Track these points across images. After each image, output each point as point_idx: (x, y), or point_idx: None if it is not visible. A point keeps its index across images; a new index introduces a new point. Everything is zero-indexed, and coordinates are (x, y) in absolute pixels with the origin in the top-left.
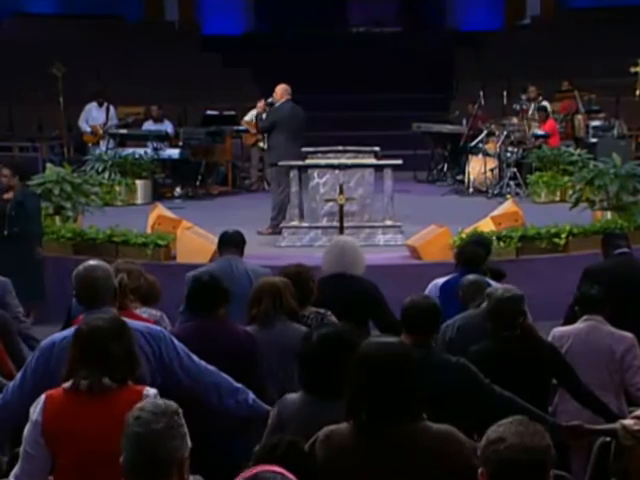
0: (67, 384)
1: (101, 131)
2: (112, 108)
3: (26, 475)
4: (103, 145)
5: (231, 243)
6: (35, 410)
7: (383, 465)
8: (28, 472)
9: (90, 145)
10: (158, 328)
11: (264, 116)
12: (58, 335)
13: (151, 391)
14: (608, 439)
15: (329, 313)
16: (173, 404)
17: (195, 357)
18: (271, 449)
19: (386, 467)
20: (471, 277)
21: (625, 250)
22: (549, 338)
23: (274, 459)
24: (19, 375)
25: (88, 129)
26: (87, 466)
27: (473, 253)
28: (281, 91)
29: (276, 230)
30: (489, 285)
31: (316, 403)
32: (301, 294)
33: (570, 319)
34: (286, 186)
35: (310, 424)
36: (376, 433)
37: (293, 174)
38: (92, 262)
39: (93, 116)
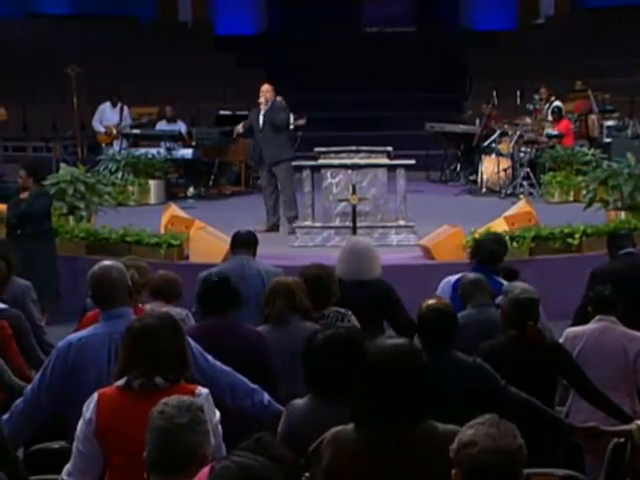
0: (120, 382)
1: (115, 131)
2: (126, 108)
3: (79, 472)
4: (116, 145)
5: (243, 243)
6: (88, 408)
7: (390, 466)
8: (81, 469)
9: (104, 145)
10: None
11: (277, 117)
12: (74, 336)
13: (203, 391)
14: (623, 440)
15: (349, 313)
16: (197, 401)
17: (210, 357)
18: (241, 449)
19: (393, 468)
20: (471, 276)
21: (631, 250)
22: (562, 339)
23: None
24: (37, 378)
25: (102, 129)
26: (139, 465)
27: (491, 250)
28: (273, 90)
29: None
30: (500, 285)
31: (324, 406)
32: (323, 295)
33: (580, 320)
34: (275, 187)
35: (320, 427)
36: (383, 435)
37: (306, 174)
38: (107, 262)
39: (107, 116)
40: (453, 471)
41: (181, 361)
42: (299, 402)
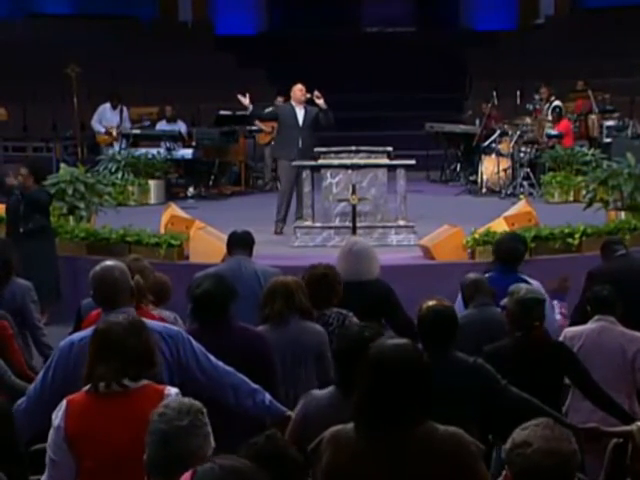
0: (87, 387)
1: (115, 133)
2: (125, 110)
3: None
4: (116, 147)
5: (240, 243)
6: (57, 415)
7: (389, 467)
8: (55, 478)
9: (103, 146)
10: (175, 328)
11: (330, 116)
12: (76, 336)
13: (172, 390)
14: (622, 440)
15: (351, 314)
16: (198, 403)
17: (212, 357)
18: (249, 446)
19: (392, 469)
20: (472, 275)
21: (624, 252)
22: (561, 338)
23: (253, 454)
24: (39, 377)
25: (102, 130)
26: (111, 468)
27: (511, 249)
28: None
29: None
30: (524, 282)
31: (346, 400)
32: (326, 294)
33: (577, 320)
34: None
35: (337, 420)
36: (383, 435)
37: (306, 174)
38: (109, 262)
39: (107, 117)
40: (504, 472)
41: (147, 361)
42: (319, 392)
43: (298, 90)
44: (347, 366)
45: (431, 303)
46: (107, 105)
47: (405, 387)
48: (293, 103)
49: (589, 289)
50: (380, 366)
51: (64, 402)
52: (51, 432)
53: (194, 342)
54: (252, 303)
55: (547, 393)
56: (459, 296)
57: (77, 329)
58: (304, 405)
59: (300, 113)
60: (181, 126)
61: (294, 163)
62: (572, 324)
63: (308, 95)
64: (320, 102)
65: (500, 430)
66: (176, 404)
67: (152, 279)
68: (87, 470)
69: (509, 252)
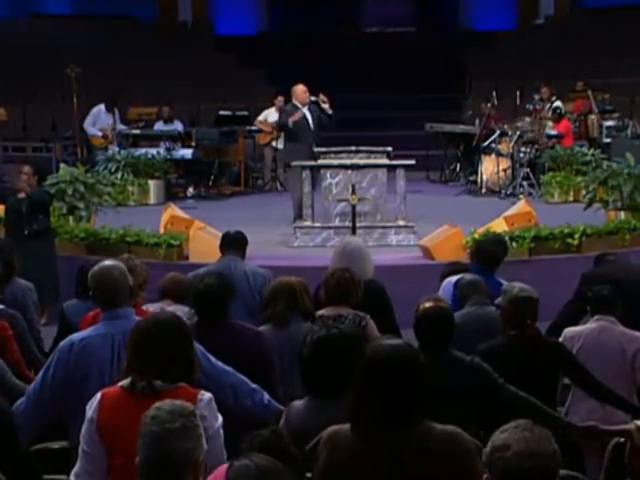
0: (124, 382)
1: (110, 135)
2: (117, 112)
3: (86, 473)
4: (112, 149)
5: (232, 244)
6: (91, 407)
7: (386, 467)
8: (87, 469)
9: (98, 149)
10: None
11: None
12: (76, 336)
13: (206, 395)
14: (622, 440)
15: (368, 316)
16: (190, 405)
17: (212, 358)
18: (254, 437)
19: (389, 469)
20: (468, 276)
21: (616, 258)
22: (561, 338)
23: (258, 446)
24: (38, 378)
25: (98, 133)
26: None
27: (490, 252)
28: None
29: None
30: (500, 284)
31: (321, 406)
32: (344, 295)
33: (565, 319)
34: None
35: (317, 427)
36: (380, 435)
37: (305, 174)
38: (108, 262)
39: (101, 120)
40: (485, 476)
41: (187, 364)
42: (298, 403)
43: (302, 92)
44: (308, 373)
45: (428, 304)
46: (101, 107)
47: (402, 387)
48: (298, 105)
49: (584, 291)
50: (376, 366)
51: (98, 394)
52: (84, 424)
53: (194, 343)
54: (241, 303)
55: (541, 392)
56: (444, 289)
57: (62, 331)
58: (286, 416)
59: (308, 115)
60: (178, 126)
61: (293, 164)
62: (560, 323)
63: (313, 98)
64: (326, 107)
65: (495, 428)
66: (168, 406)
67: (144, 276)
68: (118, 466)
69: (490, 255)
